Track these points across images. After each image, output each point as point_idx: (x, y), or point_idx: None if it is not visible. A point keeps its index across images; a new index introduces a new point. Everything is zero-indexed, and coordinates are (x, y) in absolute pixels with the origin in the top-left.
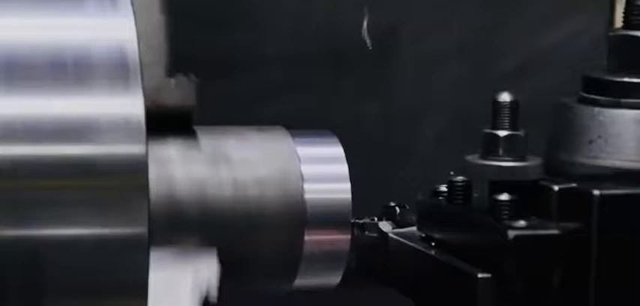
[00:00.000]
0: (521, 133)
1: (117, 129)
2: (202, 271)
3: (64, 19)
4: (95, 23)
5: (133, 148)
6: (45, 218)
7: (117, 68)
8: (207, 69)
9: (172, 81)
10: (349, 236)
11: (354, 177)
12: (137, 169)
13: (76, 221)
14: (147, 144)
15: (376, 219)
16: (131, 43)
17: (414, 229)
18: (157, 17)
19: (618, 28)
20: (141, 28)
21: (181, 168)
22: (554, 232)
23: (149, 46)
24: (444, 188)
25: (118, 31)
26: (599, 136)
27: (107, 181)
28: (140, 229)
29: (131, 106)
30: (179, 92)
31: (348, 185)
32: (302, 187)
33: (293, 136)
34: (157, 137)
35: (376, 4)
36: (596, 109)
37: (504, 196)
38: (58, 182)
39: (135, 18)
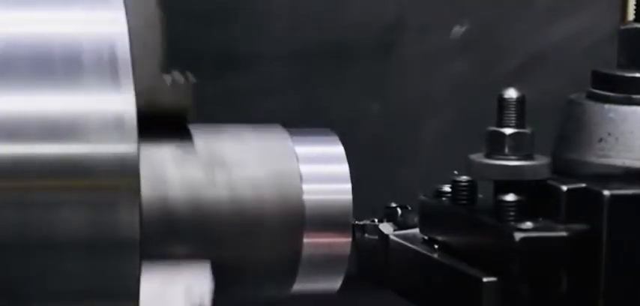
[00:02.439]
0: (527, 130)
1: (106, 127)
2: (195, 286)
3: (51, 13)
4: (84, 17)
5: (123, 148)
6: (30, 221)
7: (106, 64)
8: (202, 64)
9: (167, 80)
10: (350, 239)
11: (354, 177)
12: (128, 170)
13: (63, 224)
14: (138, 144)
15: (377, 220)
16: (122, 39)
17: (416, 230)
18: (151, 11)
19: (630, 22)
20: (134, 23)
21: (174, 170)
22: (563, 234)
23: (143, 41)
24: (447, 188)
25: (108, 25)
26: (609, 134)
27: (96, 183)
28: (131, 233)
29: (122, 103)
30: (174, 92)
31: (348, 186)
32: (300, 187)
33: (291, 134)
34: (149, 137)
35: None
36: (607, 106)
37: (510, 197)
38: (42, 183)
39: (127, 12)
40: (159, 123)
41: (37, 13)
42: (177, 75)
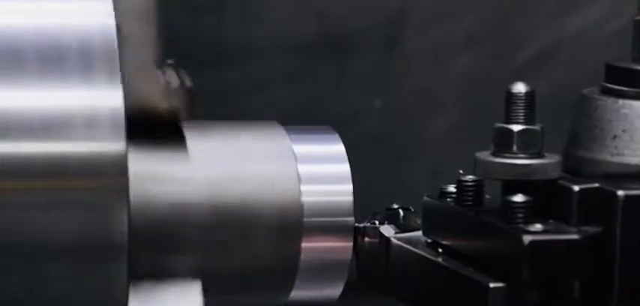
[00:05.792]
0: (537, 127)
1: (93, 124)
2: None
3: (35, 2)
4: (68, 7)
5: (111, 146)
6: (12, 224)
7: (92, 58)
8: (196, 58)
9: (160, 80)
10: (351, 243)
11: (355, 177)
12: (116, 170)
13: (47, 227)
14: (126, 140)
15: (378, 222)
16: (108, 31)
17: (418, 233)
18: (146, 3)
19: None
20: (127, 16)
21: (166, 170)
22: (574, 236)
23: (135, 37)
24: (452, 188)
25: (95, 15)
26: (624, 131)
27: (82, 183)
28: (119, 237)
29: (109, 99)
30: (166, 97)
31: (349, 186)
32: (299, 188)
33: (289, 132)
34: (138, 136)
35: None
36: (621, 102)
37: (519, 197)
38: (25, 184)
39: (115, 2)
40: (148, 121)
41: (19, 3)
42: (171, 75)
